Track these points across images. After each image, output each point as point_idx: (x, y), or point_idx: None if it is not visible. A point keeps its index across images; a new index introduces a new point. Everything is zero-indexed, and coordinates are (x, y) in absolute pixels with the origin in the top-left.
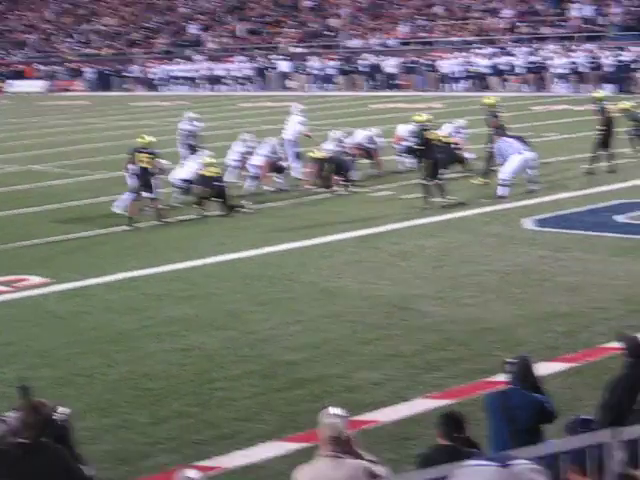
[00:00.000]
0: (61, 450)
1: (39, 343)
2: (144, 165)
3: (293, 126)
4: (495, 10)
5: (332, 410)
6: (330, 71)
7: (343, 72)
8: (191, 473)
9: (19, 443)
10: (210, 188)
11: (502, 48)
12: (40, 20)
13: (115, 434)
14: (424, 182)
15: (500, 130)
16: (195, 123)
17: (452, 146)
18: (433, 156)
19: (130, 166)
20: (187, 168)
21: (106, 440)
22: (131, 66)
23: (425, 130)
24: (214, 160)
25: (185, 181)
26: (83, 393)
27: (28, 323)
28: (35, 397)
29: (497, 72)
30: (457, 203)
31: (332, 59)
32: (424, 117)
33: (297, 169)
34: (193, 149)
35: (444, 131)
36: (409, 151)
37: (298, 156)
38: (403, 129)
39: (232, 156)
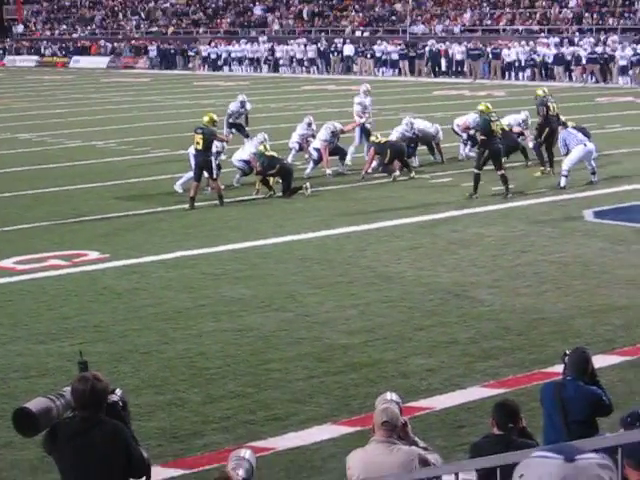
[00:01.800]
0: (121, 426)
1: (96, 318)
2: (199, 147)
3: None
4: (562, 0)
5: (388, 395)
6: (394, 56)
7: (407, 57)
8: (244, 452)
9: (78, 417)
10: (274, 168)
11: (567, 38)
12: None
13: (169, 412)
14: (475, 171)
15: (558, 121)
16: (246, 105)
17: (514, 135)
18: (494, 147)
19: (192, 146)
20: (247, 149)
21: (160, 417)
22: (195, 45)
23: (491, 121)
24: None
25: (245, 162)
26: (138, 370)
27: (85, 298)
28: (95, 371)
29: (562, 62)
30: (515, 193)
31: (396, 44)
32: (489, 107)
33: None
34: (242, 130)
35: (507, 120)
36: (472, 140)
37: (361, 140)
38: (469, 117)
39: (294, 138)
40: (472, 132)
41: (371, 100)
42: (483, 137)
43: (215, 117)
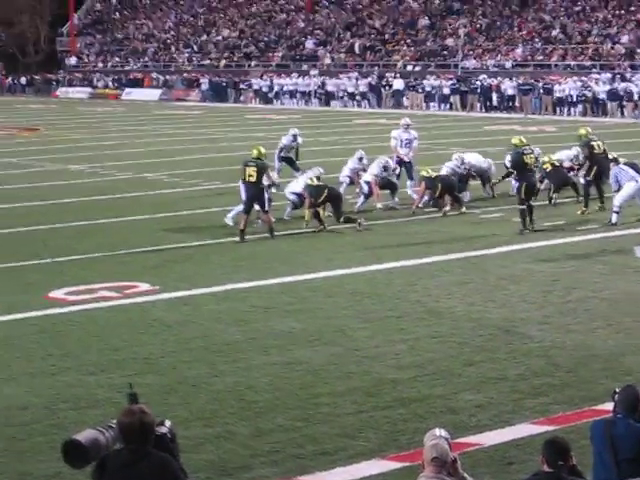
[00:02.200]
0: (169, 459)
1: (146, 350)
2: (252, 179)
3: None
4: (614, 36)
5: (437, 431)
6: (445, 90)
7: (458, 92)
8: None
9: (126, 449)
10: (322, 195)
11: (620, 74)
12: (159, 30)
13: (217, 444)
14: (519, 206)
15: (606, 158)
16: (298, 139)
17: (565, 170)
18: (531, 180)
19: (242, 179)
20: (301, 182)
21: (208, 450)
22: (247, 78)
23: (523, 154)
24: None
25: (297, 195)
26: (188, 402)
27: (135, 330)
28: (141, 404)
29: (615, 98)
30: (565, 228)
31: (448, 78)
32: (522, 141)
33: (410, 187)
34: (292, 164)
35: (558, 156)
36: (506, 174)
37: (412, 175)
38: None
39: (344, 172)
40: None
41: (414, 135)
42: (512, 170)
43: (263, 150)
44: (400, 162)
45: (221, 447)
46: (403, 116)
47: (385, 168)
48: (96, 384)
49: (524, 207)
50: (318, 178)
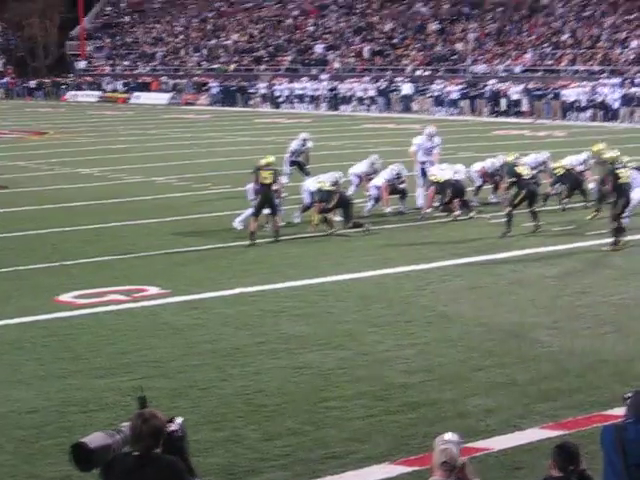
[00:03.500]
0: (175, 463)
1: (155, 354)
2: (267, 182)
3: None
4: (623, 41)
5: (447, 435)
6: (454, 95)
7: (467, 97)
8: None
9: (134, 453)
10: (333, 199)
11: (630, 79)
12: (168, 34)
13: (226, 448)
14: (508, 209)
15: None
16: (308, 144)
17: (576, 174)
18: (530, 188)
19: (252, 184)
20: (311, 186)
21: (217, 454)
22: (256, 83)
23: (515, 166)
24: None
25: (312, 194)
26: (197, 406)
27: (145, 333)
28: (150, 408)
29: (624, 102)
30: (575, 233)
31: (456, 83)
32: (513, 156)
33: (420, 192)
34: (302, 168)
35: (568, 160)
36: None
37: (422, 179)
38: (486, 163)
39: (354, 170)
40: (497, 178)
41: (437, 141)
42: (513, 180)
43: (272, 159)
44: (423, 171)
45: (230, 451)
46: (412, 121)
47: (398, 175)
48: (105, 387)
49: (511, 210)
50: (335, 183)
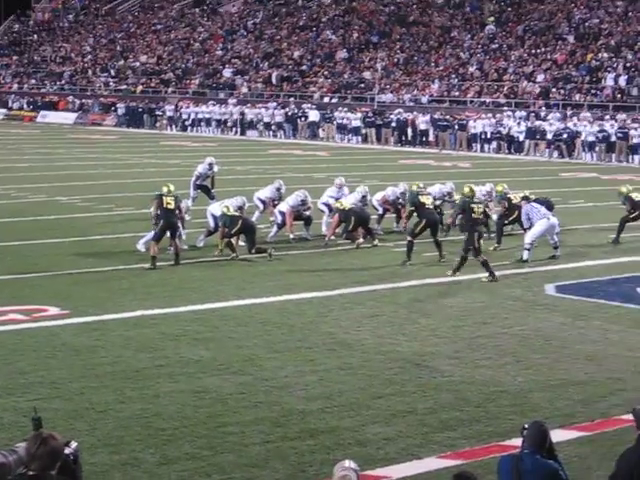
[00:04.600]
0: None
1: (53, 375)
2: (171, 207)
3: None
4: (529, 74)
5: (346, 463)
6: (355, 123)
7: (374, 125)
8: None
9: (26, 475)
10: (236, 225)
11: (534, 112)
12: (77, 53)
13: (124, 472)
14: (409, 238)
15: (525, 197)
16: (214, 168)
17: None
18: (431, 217)
19: (154, 207)
20: (215, 210)
21: (114, 477)
22: (164, 105)
23: (419, 194)
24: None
25: (215, 218)
26: (94, 428)
27: (43, 354)
28: (46, 429)
29: (529, 135)
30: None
31: (362, 111)
32: (419, 185)
33: (325, 219)
34: (208, 192)
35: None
36: (409, 212)
37: (328, 207)
38: (387, 192)
39: (259, 195)
40: (399, 206)
41: (346, 192)
42: (413, 209)
43: (172, 187)
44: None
45: (127, 474)
46: (318, 148)
47: (303, 202)
48: (1, 407)
49: (412, 240)
50: (240, 208)
